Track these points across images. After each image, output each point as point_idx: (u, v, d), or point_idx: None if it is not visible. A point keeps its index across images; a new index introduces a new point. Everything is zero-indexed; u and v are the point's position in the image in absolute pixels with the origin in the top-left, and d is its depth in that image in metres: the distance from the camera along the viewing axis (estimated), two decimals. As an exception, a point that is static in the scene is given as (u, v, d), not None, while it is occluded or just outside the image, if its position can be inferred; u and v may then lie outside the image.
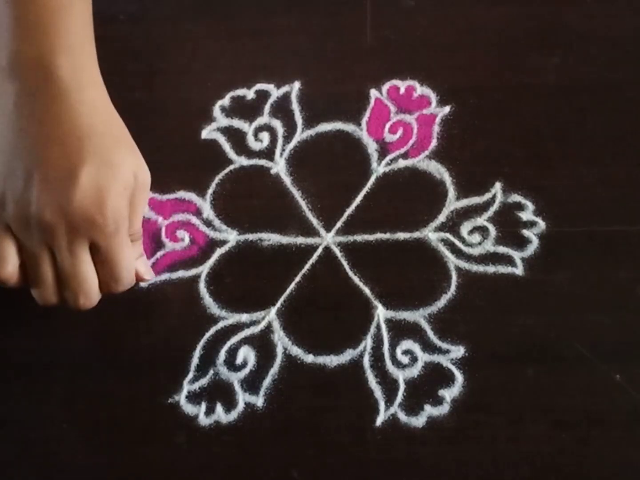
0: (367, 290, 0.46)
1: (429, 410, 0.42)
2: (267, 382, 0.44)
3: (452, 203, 0.49)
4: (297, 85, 0.53)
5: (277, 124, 0.52)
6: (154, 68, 0.57)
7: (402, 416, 0.42)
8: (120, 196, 0.39)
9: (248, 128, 0.52)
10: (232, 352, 0.45)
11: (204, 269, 0.48)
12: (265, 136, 0.52)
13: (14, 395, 0.45)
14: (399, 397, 0.43)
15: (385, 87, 0.53)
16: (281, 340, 0.46)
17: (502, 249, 0.47)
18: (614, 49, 0.53)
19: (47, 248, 0.38)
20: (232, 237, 0.49)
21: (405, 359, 0.45)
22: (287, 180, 0.50)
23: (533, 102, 0.51)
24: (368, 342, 0.45)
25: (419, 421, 0.42)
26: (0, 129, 0.39)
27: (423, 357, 0.44)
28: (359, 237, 0.48)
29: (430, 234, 0.48)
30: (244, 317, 0.46)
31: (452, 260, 0.47)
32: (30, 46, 0.38)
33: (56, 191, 0.37)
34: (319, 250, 0.48)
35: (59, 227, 0.37)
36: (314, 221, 0.49)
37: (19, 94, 0.39)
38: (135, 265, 0.43)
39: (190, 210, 0.50)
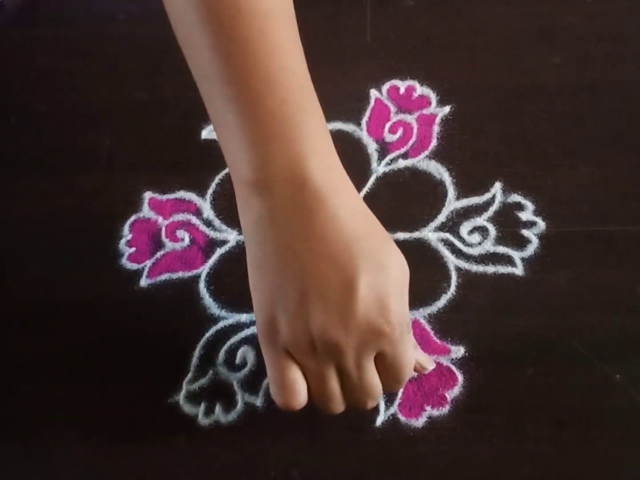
0: (367, 290, 0.46)
1: (429, 410, 0.42)
2: (266, 382, 0.44)
3: (452, 203, 0.49)
4: (297, 85, 0.53)
5: (277, 124, 0.52)
6: (154, 68, 0.57)
7: (402, 416, 0.42)
8: (399, 298, 0.36)
9: (248, 128, 0.52)
10: (232, 352, 0.45)
11: (204, 269, 0.48)
12: (265, 136, 0.52)
13: (14, 395, 0.45)
14: (399, 397, 0.43)
15: (385, 87, 0.53)
16: (281, 340, 0.46)
17: (502, 249, 0.47)
18: (614, 49, 0.53)
19: (333, 365, 0.36)
20: (232, 237, 0.49)
21: (405, 359, 0.44)
22: (287, 180, 0.50)
23: (533, 102, 0.51)
24: (368, 342, 0.45)
25: (419, 421, 0.42)
26: (257, 249, 0.36)
27: (423, 357, 0.44)
28: (359, 237, 0.48)
29: (430, 234, 0.48)
30: (244, 317, 0.46)
31: (452, 260, 0.47)
32: (278, 157, 0.35)
33: (336, 307, 0.34)
34: (319, 250, 0.48)
35: (345, 344, 0.35)
36: (314, 221, 0.49)
37: (273, 209, 0.35)
38: (415, 358, 0.40)
39: (190, 210, 0.50)
